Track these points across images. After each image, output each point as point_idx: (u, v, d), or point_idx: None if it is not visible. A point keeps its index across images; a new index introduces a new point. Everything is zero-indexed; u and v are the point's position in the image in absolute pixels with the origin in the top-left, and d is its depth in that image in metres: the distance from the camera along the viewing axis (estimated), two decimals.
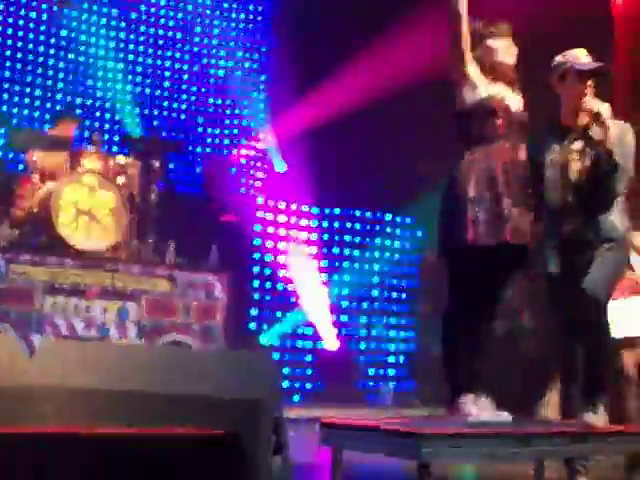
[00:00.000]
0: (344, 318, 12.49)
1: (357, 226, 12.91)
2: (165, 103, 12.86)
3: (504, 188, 4.83)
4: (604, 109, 5.17)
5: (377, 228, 12.99)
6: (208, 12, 13.29)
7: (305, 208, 12.39)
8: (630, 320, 6.70)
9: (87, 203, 9.01)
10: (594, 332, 5.02)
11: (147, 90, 12.78)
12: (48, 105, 11.75)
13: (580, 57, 5.29)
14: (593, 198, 5.13)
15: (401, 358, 12.98)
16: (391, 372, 12.83)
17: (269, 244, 12.02)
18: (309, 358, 12.20)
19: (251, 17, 13.62)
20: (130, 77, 12.55)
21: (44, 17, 12.14)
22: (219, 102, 13.12)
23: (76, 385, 3.68)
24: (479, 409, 4.85)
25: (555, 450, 4.68)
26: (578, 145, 5.20)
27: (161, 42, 13.08)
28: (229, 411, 3.43)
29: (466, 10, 4.88)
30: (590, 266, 4.99)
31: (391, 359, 12.91)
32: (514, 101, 5.02)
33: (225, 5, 13.49)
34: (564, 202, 5.19)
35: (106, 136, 11.76)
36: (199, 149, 12.79)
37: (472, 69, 4.94)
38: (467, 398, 4.87)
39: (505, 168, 4.88)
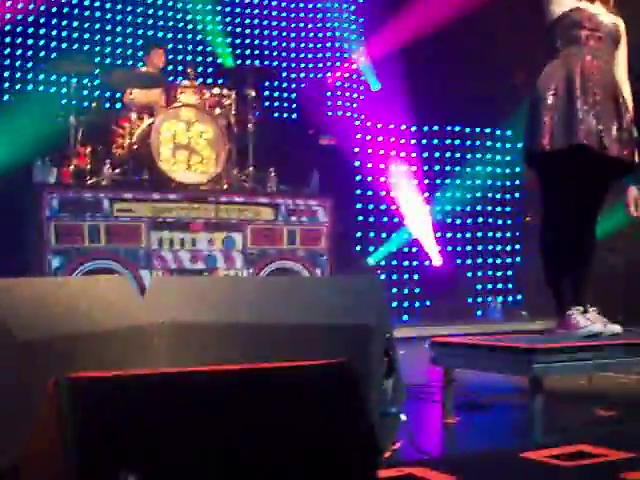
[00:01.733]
0: (448, 235, 12.45)
1: (457, 142, 12.80)
2: (256, 31, 12.82)
3: (581, 94, 4.78)
4: None
5: (477, 143, 12.87)
6: None
7: (403, 127, 12.31)
8: None
9: (185, 137, 9.08)
10: None
11: (237, 19, 12.74)
12: (139, 42, 11.80)
13: None
14: None
15: (508, 272, 12.92)
16: (498, 286, 12.79)
17: (369, 165, 12.00)
18: (416, 277, 12.22)
19: None
20: (220, 7, 12.51)
21: None
22: (310, 26, 13.03)
23: (188, 320, 3.75)
24: (588, 321, 4.85)
25: None
26: None
27: None
28: (341, 337, 3.47)
29: None
30: None
31: (498, 273, 12.86)
32: (606, 17, 4.96)
33: None
34: None
35: (200, 68, 11.79)
36: (293, 75, 12.76)
37: None
38: (575, 310, 4.87)
39: (584, 75, 4.83)
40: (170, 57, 11.20)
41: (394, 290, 11.91)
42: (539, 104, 4.81)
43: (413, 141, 12.41)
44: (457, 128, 12.80)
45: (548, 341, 4.53)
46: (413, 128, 12.40)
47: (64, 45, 11.32)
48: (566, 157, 4.75)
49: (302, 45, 12.90)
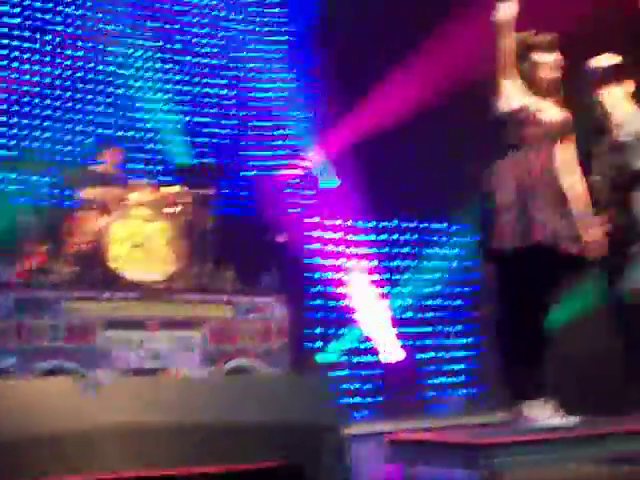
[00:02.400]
0: (407, 329, 12.45)
1: (414, 237, 12.88)
2: (212, 130, 12.93)
3: (533, 193, 4.88)
4: (604, 94, 5.28)
5: (434, 237, 12.96)
6: (248, 37, 13.36)
7: (359, 223, 12.39)
8: None
9: (141, 235, 9.08)
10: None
11: (193, 118, 12.85)
12: (95, 140, 11.85)
13: (594, 62, 5.43)
14: (626, 190, 5.21)
15: (467, 365, 12.92)
16: (458, 380, 12.77)
17: (326, 262, 12.03)
18: (374, 372, 12.17)
19: (291, 38, 13.65)
20: (175, 107, 12.63)
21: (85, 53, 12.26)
22: (266, 124, 13.16)
23: (138, 421, 3.71)
24: (545, 413, 4.86)
25: (623, 449, 4.66)
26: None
27: (204, 70, 13.15)
28: (293, 437, 3.45)
29: (512, 23, 4.96)
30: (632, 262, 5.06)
31: (457, 367, 12.85)
32: (553, 112, 5.06)
33: (265, 28, 13.55)
34: (608, 198, 5.26)
35: (157, 167, 11.86)
36: (250, 172, 12.83)
37: (509, 82, 5.00)
38: (532, 403, 4.89)
39: (534, 175, 4.93)
40: (126, 155, 11.25)
41: (352, 386, 11.84)
42: (493, 202, 4.88)
43: (369, 237, 12.47)
44: (412, 224, 12.89)
45: (505, 435, 4.52)
46: (369, 224, 12.47)
47: (20, 144, 11.34)
48: (522, 254, 4.81)
49: (258, 143, 13.00)
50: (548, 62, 5.14)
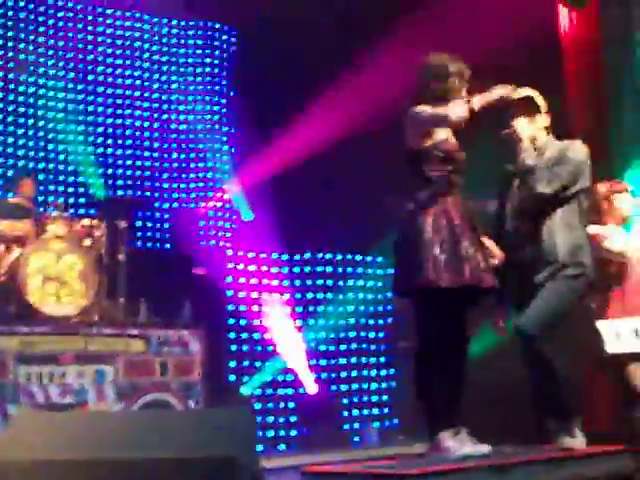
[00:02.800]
0: (323, 362, 12.46)
1: (329, 269, 12.92)
2: (128, 162, 12.87)
3: (461, 230, 4.94)
4: (518, 121, 5.39)
5: (349, 270, 13.01)
6: (165, 68, 13.33)
7: (275, 255, 12.40)
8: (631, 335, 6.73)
9: (54, 269, 8.99)
10: (535, 363, 5.13)
11: (109, 150, 12.78)
12: (9, 172, 11.73)
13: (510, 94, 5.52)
14: (537, 222, 5.28)
15: (384, 396, 12.96)
16: (374, 411, 12.79)
17: (242, 294, 12.00)
18: (292, 405, 12.14)
19: (208, 69, 13.66)
20: (91, 138, 12.55)
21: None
22: (182, 156, 13.14)
23: (47, 458, 3.66)
24: (459, 443, 4.89)
25: (535, 478, 4.72)
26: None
27: (120, 101, 13.10)
28: (208, 471, 3.42)
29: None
30: (539, 291, 5.14)
31: (373, 398, 12.88)
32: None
33: (182, 60, 13.54)
34: (517, 232, 5.35)
35: (71, 199, 11.76)
36: (166, 205, 12.79)
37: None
38: (446, 433, 4.92)
39: (457, 211, 4.99)
40: (41, 187, 11.15)
41: (270, 419, 11.81)
42: (417, 239, 4.89)
43: (285, 269, 12.49)
44: (329, 255, 12.93)
45: (420, 466, 4.54)
46: (285, 257, 12.49)
47: None
48: (448, 292, 4.85)
49: (174, 175, 12.97)
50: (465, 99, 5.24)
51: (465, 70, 5.26)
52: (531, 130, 5.50)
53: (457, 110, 4.98)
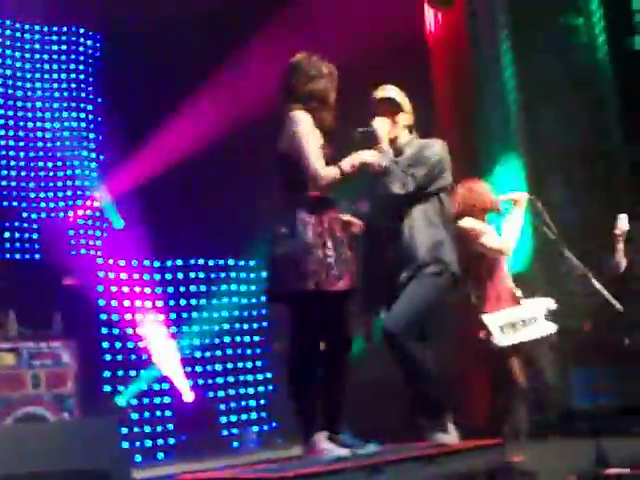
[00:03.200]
0: (199, 368, 12.42)
1: (201, 275, 12.88)
2: None
3: (341, 234, 4.99)
4: (377, 122, 5.45)
5: (221, 274, 13.00)
6: (28, 75, 13.07)
7: (146, 262, 12.30)
8: (516, 328, 6.87)
9: None
10: (400, 361, 5.19)
11: None
12: None
13: (374, 93, 5.59)
14: (396, 222, 5.34)
15: (261, 401, 12.97)
16: (253, 416, 12.80)
17: (114, 303, 11.87)
18: (169, 413, 12.07)
19: (73, 76, 13.43)
20: None
21: None
22: (49, 165, 12.89)
23: None
24: (334, 445, 4.93)
25: (408, 476, 4.79)
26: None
27: None
28: None
29: None
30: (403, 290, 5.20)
31: (251, 403, 12.89)
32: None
33: (46, 66, 13.29)
34: (378, 229, 5.41)
35: None
36: (34, 215, 12.54)
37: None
38: (322, 435, 4.95)
39: (338, 216, 5.03)
40: None
41: (147, 428, 11.71)
42: (295, 245, 4.88)
43: (157, 276, 12.40)
44: (201, 261, 12.89)
45: (292, 469, 4.57)
46: (156, 263, 12.40)
47: None
48: (327, 296, 4.87)
49: (42, 184, 12.72)
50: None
51: (334, 71, 5.29)
52: (392, 129, 5.54)
53: (329, 172, 4.96)
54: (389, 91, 5.64)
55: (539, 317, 6.92)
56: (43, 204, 12.61)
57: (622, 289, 7.81)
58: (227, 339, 12.85)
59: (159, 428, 11.88)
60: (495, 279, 6.58)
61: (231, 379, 12.79)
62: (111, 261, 12.15)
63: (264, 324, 13.21)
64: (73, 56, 13.42)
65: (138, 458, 10.83)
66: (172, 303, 12.45)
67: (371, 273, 5.38)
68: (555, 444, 8.72)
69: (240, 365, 12.92)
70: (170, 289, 12.54)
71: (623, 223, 7.88)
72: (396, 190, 5.29)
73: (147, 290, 12.24)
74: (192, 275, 12.81)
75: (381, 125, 5.49)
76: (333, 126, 5.28)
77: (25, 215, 12.40)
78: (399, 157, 5.47)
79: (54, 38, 13.33)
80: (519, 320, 6.86)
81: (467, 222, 6.65)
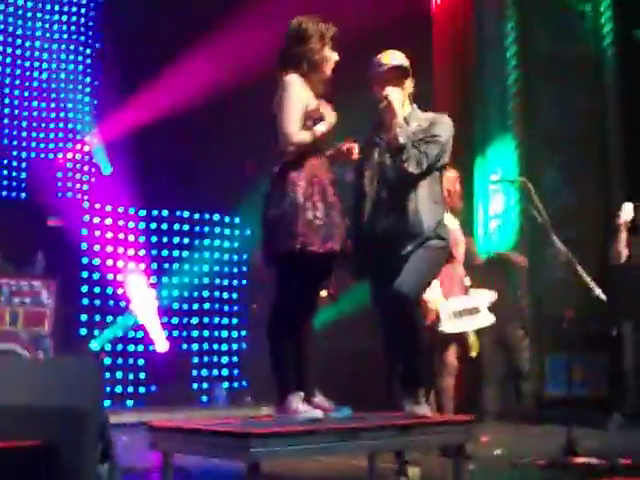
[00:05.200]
0: (175, 320, 12.45)
1: (185, 227, 12.88)
2: None
3: (333, 198, 4.97)
4: (392, 92, 5.37)
5: (206, 229, 13.00)
6: (29, 14, 12.98)
7: (132, 210, 12.29)
8: (461, 317, 6.99)
9: None
10: (405, 326, 5.19)
11: None
12: None
13: (381, 58, 5.51)
14: (401, 194, 5.31)
15: (234, 358, 13.02)
16: (224, 372, 12.86)
17: (97, 248, 11.87)
18: (141, 362, 12.10)
19: (74, 19, 13.36)
20: None
21: None
22: (43, 105, 12.83)
23: None
24: (308, 406, 4.94)
25: (382, 443, 4.82)
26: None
27: None
28: (50, 420, 3.39)
29: None
30: (405, 263, 5.18)
31: (224, 359, 12.93)
32: (332, 113, 5.15)
33: (48, 7, 13.20)
34: (379, 199, 5.37)
35: None
36: (24, 154, 12.50)
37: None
38: (296, 396, 4.96)
39: (324, 181, 5.00)
40: None
41: (119, 375, 11.75)
42: (284, 206, 4.87)
43: (142, 225, 12.39)
44: (186, 214, 12.89)
45: (266, 426, 4.59)
46: (142, 212, 12.39)
47: None
48: (313, 257, 4.86)
49: (34, 124, 12.67)
50: (334, 60, 5.22)
51: (326, 30, 5.20)
52: (401, 99, 5.48)
53: (299, 135, 4.92)
54: (398, 58, 5.56)
55: (482, 308, 7.06)
56: (34, 144, 12.57)
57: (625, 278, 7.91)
58: (206, 293, 12.87)
59: (130, 376, 11.92)
60: (448, 265, 6.57)
61: (206, 333, 12.83)
62: (97, 206, 12.14)
63: (244, 282, 13.23)
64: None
65: (107, 403, 10.87)
66: (155, 253, 12.46)
67: (362, 240, 5.36)
68: (527, 429, 8.84)
69: (216, 320, 12.96)
70: (154, 238, 12.54)
71: (627, 212, 7.86)
72: (411, 169, 5.25)
73: (131, 238, 12.24)
74: (177, 227, 12.82)
75: (396, 96, 5.39)
76: (326, 88, 5.24)
77: (15, 153, 12.36)
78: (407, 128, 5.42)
79: None
80: (465, 309, 6.98)
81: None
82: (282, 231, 4.86)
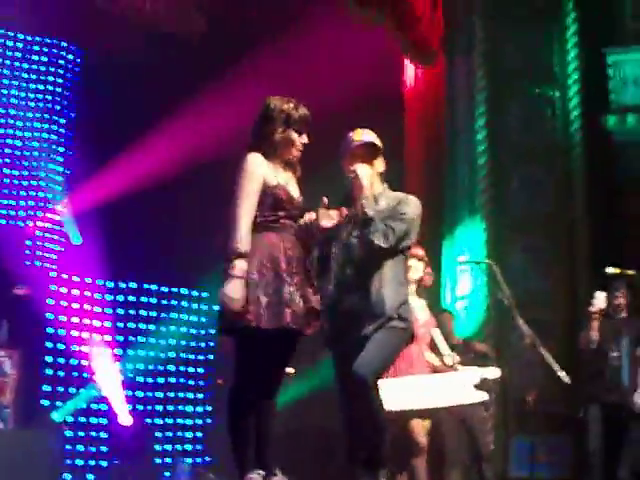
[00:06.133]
0: (139, 393, 12.34)
1: (153, 300, 12.84)
2: None
3: (287, 275, 4.95)
4: (360, 168, 5.38)
5: (173, 302, 12.97)
6: (5, 81, 13.03)
7: (100, 282, 12.25)
8: (419, 393, 6.98)
9: None
10: (361, 408, 5.16)
11: None
12: None
13: (353, 135, 5.53)
14: (366, 273, 5.31)
15: (198, 433, 12.90)
16: (188, 447, 12.73)
17: (62, 318, 11.80)
18: (104, 435, 11.97)
19: (50, 88, 13.41)
20: None
21: None
22: (15, 172, 12.82)
23: None
24: None
25: None
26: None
27: None
28: None
29: None
30: (365, 342, 5.17)
31: (188, 434, 12.82)
32: (296, 190, 5.18)
33: (24, 75, 13.25)
34: (343, 277, 5.36)
35: None
36: None
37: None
38: (256, 474, 4.92)
39: (288, 256, 5.00)
40: None
41: (80, 448, 11.61)
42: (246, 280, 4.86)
43: (109, 297, 12.34)
44: (154, 287, 12.86)
45: None
46: (109, 284, 12.36)
47: None
48: (268, 333, 4.85)
49: (4, 191, 12.65)
50: (300, 142, 5.23)
51: (293, 111, 5.21)
52: (370, 176, 5.48)
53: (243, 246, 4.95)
54: (369, 135, 5.58)
55: (452, 386, 7.06)
56: (4, 211, 12.53)
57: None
58: (171, 367, 12.79)
59: (93, 449, 11.78)
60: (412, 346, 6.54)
61: (170, 408, 12.72)
62: (65, 276, 12.09)
63: (210, 357, 13.17)
64: (52, 68, 13.42)
65: (67, 476, 10.72)
66: (121, 325, 12.40)
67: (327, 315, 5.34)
68: None
69: (181, 395, 12.86)
70: (120, 311, 12.49)
71: (600, 301, 7.92)
72: (378, 242, 5.25)
73: (97, 309, 12.18)
74: (144, 299, 12.77)
75: (364, 172, 5.41)
76: (295, 169, 5.26)
77: None
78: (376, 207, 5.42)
79: (36, 48, 13.32)
80: (417, 387, 6.97)
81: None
82: (225, 307, 4.87)
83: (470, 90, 10.68)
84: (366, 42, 10.59)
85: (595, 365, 8.19)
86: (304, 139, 5.23)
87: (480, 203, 10.36)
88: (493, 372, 7.33)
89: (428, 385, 7.04)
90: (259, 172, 5.01)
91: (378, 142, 5.55)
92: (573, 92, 10.40)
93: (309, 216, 5.15)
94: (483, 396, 7.19)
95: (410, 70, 11.51)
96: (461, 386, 7.12)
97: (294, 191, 5.17)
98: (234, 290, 4.76)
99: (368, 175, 5.42)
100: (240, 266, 4.79)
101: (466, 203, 10.57)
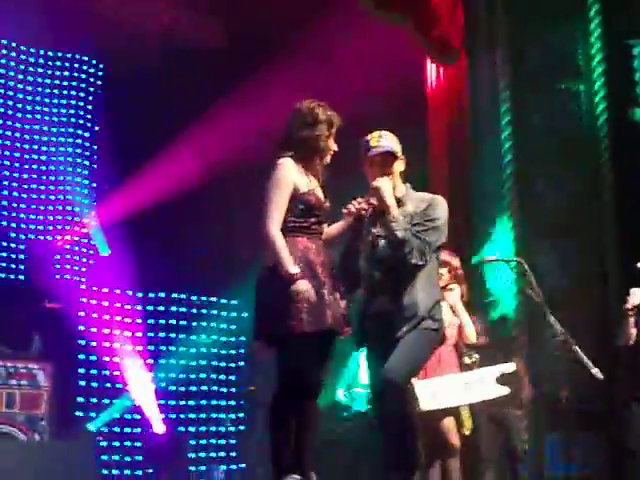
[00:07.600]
0: (172, 402, 12.38)
1: (182, 309, 12.89)
2: None
3: (324, 277, 4.98)
4: (382, 183, 5.28)
5: (203, 311, 13.01)
6: (29, 97, 13.09)
7: (129, 292, 12.30)
8: (448, 392, 7.00)
9: None
10: (392, 411, 5.14)
11: None
12: None
13: (370, 140, 5.44)
14: (396, 274, 5.27)
15: (231, 440, 12.93)
16: (221, 454, 12.75)
17: (94, 330, 11.85)
18: (138, 444, 12.01)
19: (73, 102, 13.47)
20: None
21: None
22: (42, 187, 12.88)
23: None
24: None
25: None
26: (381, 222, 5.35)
27: None
28: None
29: None
30: (397, 344, 5.15)
31: (221, 441, 12.85)
32: (322, 194, 5.19)
33: (47, 90, 13.32)
34: (373, 279, 5.34)
35: None
36: (22, 235, 12.52)
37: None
38: (292, 478, 4.93)
39: (321, 261, 5.02)
40: None
41: (116, 457, 11.66)
42: (282, 289, 4.87)
43: (139, 307, 12.40)
44: (183, 296, 12.90)
45: None
46: (139, 294, 12.41)
47: None
48: (310, 336, 4.87)
49: (32, 206, 12.71)
50: (333, 150, 5.25)
51: (334, 119, 5.22)
52: (391, 187, 5.35)
53: (273, 237, 4.96)
54: (386, 140, 5.47)
55: (480, 383, 7.06)
56: (32, 226, 12.60)
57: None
58: (203, 375, 12.82)
59: (127, 458, 11.82)
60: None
61: (203, 415, 12.75)
62: (94, 288, 12.14)
63: (241, 364, 13.19)
64: (74, 82, 13.47)
65: None
66: (152, 334, 12.45)
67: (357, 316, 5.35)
68: None
69: (213, 402, 12.89)
70: (150, 321, 12.54)
71: (636, 297, 7.86)
72: (415, 261, 5.18)
73: (128, 320, 12.23)
74: (174, 309, 12.82)
75: (386, 186, 5.24)
76: (324, 175, 5.26)
77: (13, 235, 12.38)
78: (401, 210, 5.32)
79: (57, 63, 13.37)
80: (450, 386, 6.98)
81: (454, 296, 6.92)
82: (274, 314, 4.89)
83: (493, 87, 10.62)
84: (388, 44, 10.59)
85: (633, 361, 8.13)
86: (336, 147, 5.26)
87: (507, 201, 10.30)
88: (509, 367, 7.32)
89: (457, 383, 7.06)
90: (290, 178, 5.03)
91: (396, 146, 5.41)
92: (598, 85, 10.29)
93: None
94: (503, 391, 7.20)
95: (432, 70, 11.50)
96: (482, 382, 7.13)
97: (322, 196, 5.19)
98: (304, 284, 4.82)
99: (390, 188, 5.29)
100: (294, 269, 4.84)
101: (493, 201, 10.51)
